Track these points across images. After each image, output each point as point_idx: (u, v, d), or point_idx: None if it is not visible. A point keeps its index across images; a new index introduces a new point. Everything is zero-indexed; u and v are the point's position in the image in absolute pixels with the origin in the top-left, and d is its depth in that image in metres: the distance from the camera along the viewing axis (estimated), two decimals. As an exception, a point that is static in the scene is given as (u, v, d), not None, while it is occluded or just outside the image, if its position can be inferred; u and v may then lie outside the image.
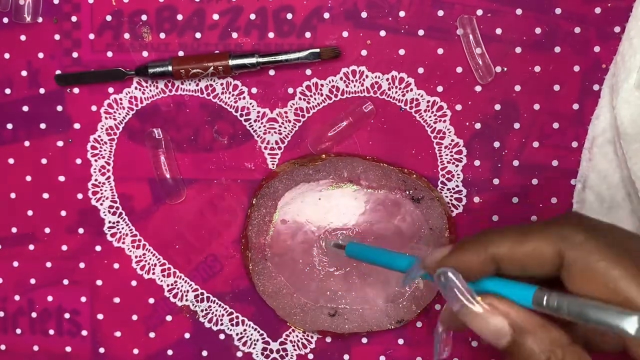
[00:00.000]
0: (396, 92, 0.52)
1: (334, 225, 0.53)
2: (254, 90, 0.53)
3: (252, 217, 0.53)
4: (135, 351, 0.56)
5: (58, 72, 0.54)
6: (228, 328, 0.55)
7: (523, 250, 0.38)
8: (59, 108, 0.54)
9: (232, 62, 0.51)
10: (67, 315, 0.56)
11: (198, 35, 0.53)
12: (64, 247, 0.55)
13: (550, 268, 0.37)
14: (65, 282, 0.56)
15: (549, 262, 0.37)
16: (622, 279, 0.36)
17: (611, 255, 0.36)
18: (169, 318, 0.55)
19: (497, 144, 0.52)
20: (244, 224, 0.54)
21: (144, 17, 0.53)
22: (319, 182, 0.53)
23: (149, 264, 0.55)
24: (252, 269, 0.53)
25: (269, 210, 0.53)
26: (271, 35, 0.53)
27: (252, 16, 0.53)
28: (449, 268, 0.39)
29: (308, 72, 0.53)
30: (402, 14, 0.52)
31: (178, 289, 0.55)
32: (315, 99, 0.53)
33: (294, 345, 0.55)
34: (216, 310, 0.55)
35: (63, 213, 0.55)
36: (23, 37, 0.54)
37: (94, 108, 0.54)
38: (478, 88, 0.52)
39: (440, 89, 0.52)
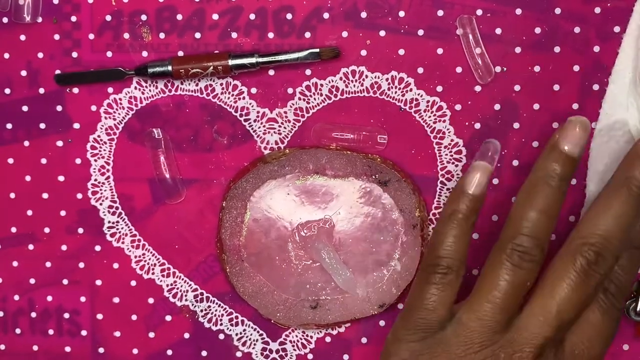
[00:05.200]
0: (396, 92, 0.52)
1: (305, 219, 0.54)
2: (253, 90, 0.53)
3: (224, 220, 0.53)
4: (135, 351, 0.56)
5: (58, 72, 0.54)
6: (228, 328, 0.55)
7: None
8: (59, 108, 0.54)
9: (231, 62, 0.51)
10: (66, 315, 0.56)
11: (198, 35, 0.53)
12: (64, 247, 0.55)
13: None
14: (65, 282, 0.56)
15: None
16: None
17: None
18: (168, 318, 0.55)
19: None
20: (217, 227, 0.54)
21: (143, 17, 0.53)
22: (285, 178, 0.53)
23: (148, 264, 0.55)
24: (230, 271, 0.53)
25: (240, 211, 0.54)
26: (271, 35, 0.53)
27: (252, 16, 0.53)
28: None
29: (308, 72, 0.53)
30: (401, 13, 0.52)
31: (178, 289, 0.55)
32: (315, 99, 0.53)
33: (293, 345, 0.55)
34: (216, 310, 0.55)
35: (63, 213, 0.55)
36: (23, 37, 0.54)
37: (93, 108, 0.54)
38: (478, 88, 0.52)
39: (439, 88, 0.52)
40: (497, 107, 0.52)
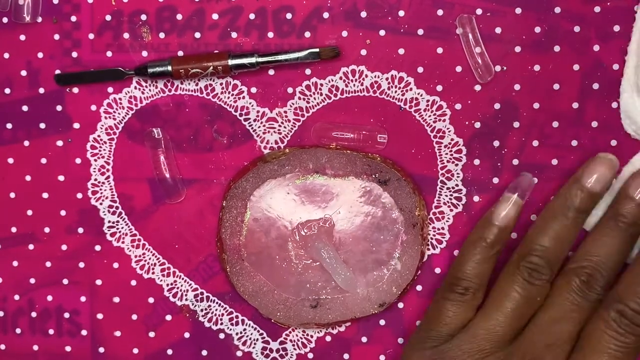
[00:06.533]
0: (396, 92, 0.52)
1: (305, 218, 0.54)
2: (253, 89, 0.53)
3: (224, 219, 0.53)
4: (135, 351, 0.56)
5: (58, 71, 0.54)
6: (228, 327, 0.55)
7: None
8: (59, 108, 0.54)
9: (231, 62, 0.51)
10: (66, 315, 0.56)
11: (198, 35, 0.53)
12: (64, 247, 0.55)
13: None
14: (65, 281, 0.56)
15: None
16: None
17: None
18: (168, 318, 0.55)
19: (496, 143, 0.52)
20: (217, 227, 0.54)
21: (143, 17, 0.53)
22: (285, 177, 0.53)
23: (148, 263, 0.55)
24: (230, 271, 0.54)
25: (240, 210, 0.54)
26: (271, 35, 0.53)
27: (252, 16, 0.53)
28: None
29: (307, 71, 0.53)
30: (401, 13, 0.52)
31: (178, 288, 0.55)
32: (314, 98, 0.53)
33: (293, 345, 0.55)
34: (216, 310, 0.55)
35: (63, 213, 0.55)
36: (22, 37, 0.54)
37: (93, 108, 0.54)
38: (477, 87, 0.52)
39: (439, 88, 0.52)
40: (497, 106, 0.52)
